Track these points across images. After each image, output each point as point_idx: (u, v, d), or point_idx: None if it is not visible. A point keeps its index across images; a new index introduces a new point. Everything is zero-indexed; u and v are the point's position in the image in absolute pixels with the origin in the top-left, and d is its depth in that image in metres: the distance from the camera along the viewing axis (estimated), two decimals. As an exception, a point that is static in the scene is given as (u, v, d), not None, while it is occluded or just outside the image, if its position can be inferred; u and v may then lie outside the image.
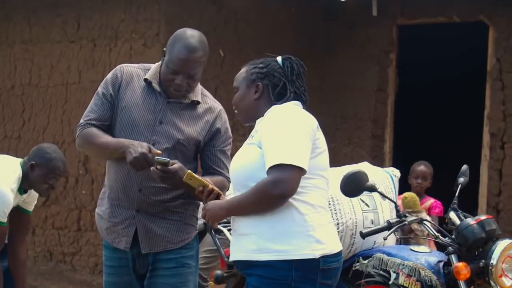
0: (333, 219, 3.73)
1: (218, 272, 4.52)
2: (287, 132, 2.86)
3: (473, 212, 4.24)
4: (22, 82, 7.68)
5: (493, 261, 3.59)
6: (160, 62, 3.46)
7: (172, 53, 3.34)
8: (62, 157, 4.36)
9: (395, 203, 3.81)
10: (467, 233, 3.63)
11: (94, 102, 3.46)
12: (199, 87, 3.48)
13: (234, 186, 3.02)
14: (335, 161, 4.66)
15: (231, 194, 3.33)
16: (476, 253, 3.65)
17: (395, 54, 7.74)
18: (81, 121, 3.43)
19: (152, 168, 3.22)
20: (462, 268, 3.53)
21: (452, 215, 3.77)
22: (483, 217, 3.69)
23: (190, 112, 3.45)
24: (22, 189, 4.25)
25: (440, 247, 3.79)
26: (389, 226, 3.66)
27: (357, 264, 3.85)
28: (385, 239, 3.69)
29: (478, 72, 7.56)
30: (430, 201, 5.59)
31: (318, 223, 2.89)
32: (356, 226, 3.89)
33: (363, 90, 7.71)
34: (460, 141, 9.44)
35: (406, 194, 5.15)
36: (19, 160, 4.30)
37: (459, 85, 9.76)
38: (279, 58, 3.12)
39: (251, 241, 2.92)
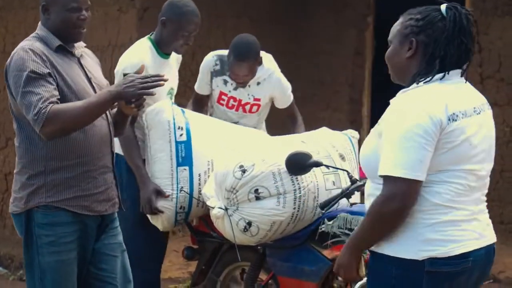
0: (294, 184, 3.80)
1: (189, 248, 4.50)
2: (402, 138, 2.54)
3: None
4: (-4, 50, 7.58)
5: None
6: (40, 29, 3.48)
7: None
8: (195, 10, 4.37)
9: (346, 171, 3.93)
10: None
11: (39, 84, 3.23)
12: None
13: (366, 174, 2.80)
14: (312, 126, 4.69)
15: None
16: None
17: (372, 18, 7.71)
18: (39, 105, 3.18)
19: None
20: None
21: None
22: None
23: (90, 58, 3.61)
24: (163, 53, 4.39)
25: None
26: (344, 194, 3.73)
27: (323, 226, 3.89)
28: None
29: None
30: None
31: (435, 222, 2.60)
32: (318, 188, 3.96)
33: (340, 54, 7.69)
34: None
35: None
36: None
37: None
38: (443, 6, 2.68)
39: None
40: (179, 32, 4.32)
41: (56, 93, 3.25)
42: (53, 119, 3.17)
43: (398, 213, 2.56)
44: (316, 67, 7.69)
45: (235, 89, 4.71)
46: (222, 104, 4.76)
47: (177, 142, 4.19)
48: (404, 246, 2.60)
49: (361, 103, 7.73)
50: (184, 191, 4.15)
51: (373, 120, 7.75)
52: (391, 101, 2.68)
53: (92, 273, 3.51)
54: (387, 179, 2.56)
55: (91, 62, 3.59)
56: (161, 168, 4.20)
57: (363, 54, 7.72)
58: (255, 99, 4.78)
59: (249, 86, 4.71)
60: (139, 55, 4.36)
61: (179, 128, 4.22)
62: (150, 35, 4.48)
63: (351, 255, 2.69)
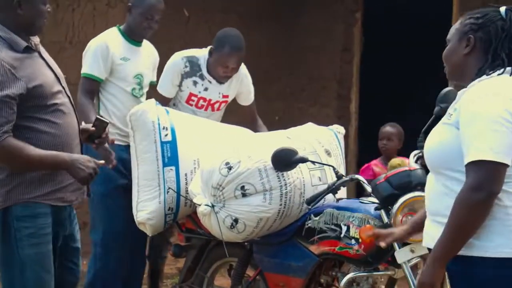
0: (280, 181, 3.81)
1: (176, 245, 4.50)
2: (492, 123, 2.49)
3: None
4: (-17, 44, 7.53)
5: (392, 218, 3.60)
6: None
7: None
8: None
9: (332, 166, 3.91)
10: (376, 192, 3.67)
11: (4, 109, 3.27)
12: None
13: (430, 168, 2.74)
14: (300, 122, 4.68)
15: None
16: None
17: (360, 13, 7.70)
18: None
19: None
20: (364, 231, 3.57)
21: (411, 157, 3.82)
22: (391, 173, 3.69)
23: (42, 47, 3.61)
24: (134, 40, 4.75)
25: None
26: (330, 189, 3.73)
27: (309, 221, 3.92)
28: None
29: (444, 28, 7.53)
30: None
31: None
32: (304, 184, 3.97)
33: (328, 50, 7.68)
34: (429, 97, 9.47)
35: (391, 161, 5.23)
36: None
37: (426, 41, 9.77)
38: (502, 8, 2.69)
39: None
40: (142, 15, 4.67)
41: (13, 118, 3.26)
42: (1, 153, 3.26)
43: (488, 202, 2.49)
44: (304, 63, 7.68)
45: (205, 90, 4.76)
46: (191, 105, 4.80)
47: (162, 143, 4.19)
48: (502, 244, 2.53)
49: (349, 99, 7.72)
50: (172, 190, 4.14)
51: (361, 116, 7.76)
52: (460, 92, 2.67)
53: (69, 269, 3.60)
54: (474, 166, 2.49)
55: (46, 53, 3.63)
56: (147, 169, 4.19)
57: (351, 50, 7.70)
58: (224, 96, 4.85)
59: (221, 83, 4.76)
60: (104, 37, 4.67)
61: (164, 128, 4.22)
62: (119, 25, 4.77)
63: (437, 269, 2.56)
